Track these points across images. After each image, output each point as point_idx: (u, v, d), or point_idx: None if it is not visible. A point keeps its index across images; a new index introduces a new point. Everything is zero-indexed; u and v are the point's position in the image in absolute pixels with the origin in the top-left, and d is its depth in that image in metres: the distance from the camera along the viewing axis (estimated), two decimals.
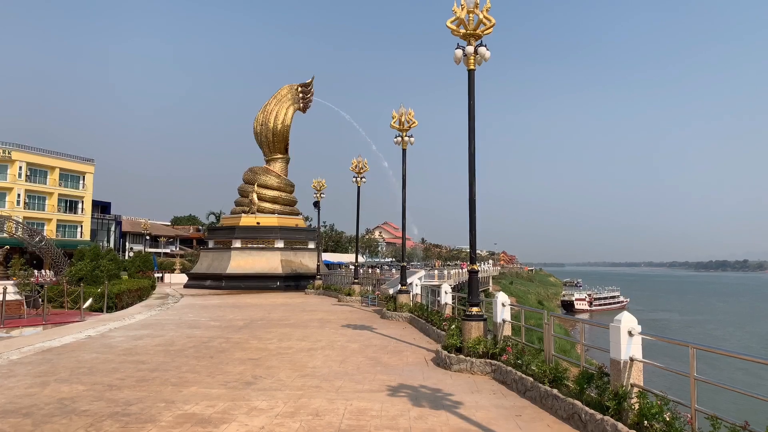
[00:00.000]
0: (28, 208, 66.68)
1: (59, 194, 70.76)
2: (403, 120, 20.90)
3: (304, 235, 48.44)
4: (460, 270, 54.49)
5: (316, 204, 38.26)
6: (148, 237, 78.97)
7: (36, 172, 68.76)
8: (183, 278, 51.10)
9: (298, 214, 50.41)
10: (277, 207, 47.53)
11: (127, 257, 67.74)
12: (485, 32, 12.19)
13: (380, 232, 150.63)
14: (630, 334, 7.09)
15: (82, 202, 74.65)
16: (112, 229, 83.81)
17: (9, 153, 65.33)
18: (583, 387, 7.61)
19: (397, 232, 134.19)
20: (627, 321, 7.15)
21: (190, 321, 20.91)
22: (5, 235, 39.07)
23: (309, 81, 50.35)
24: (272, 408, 8.30)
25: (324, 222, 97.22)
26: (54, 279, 33.94)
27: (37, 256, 42.74)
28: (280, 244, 45.10)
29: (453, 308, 17.30)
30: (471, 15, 12.09)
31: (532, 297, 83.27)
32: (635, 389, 6.81)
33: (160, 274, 55.67)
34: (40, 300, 23.53)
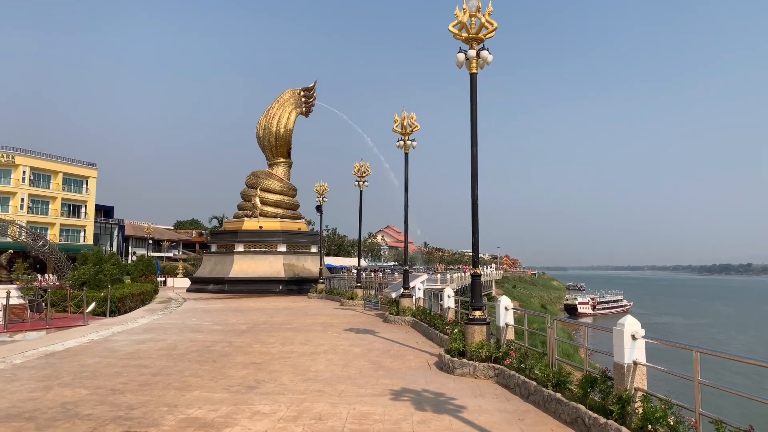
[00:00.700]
0: (32, 213, 66.82)
1: (62, 198, 70.91)
2: (405, 124, 20.92)
3: (306, 239, 48.47)
4: (463, 274, 54.42)
5: (319, 208, 38.29)
6: (151, 241, 79.05)
7: (39, 177, 68.93)
8: (186, 282, 51.11)
9: (300, 217, 50.46)
10: (279, 211, 47.59)
11: (130, 261, 67.92)
12: (487, 36, 12.20)
13: (383, 236, 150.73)
14: (633, 337, 7.07)
15: (85, 206, 74.80)
16: (115, 233, 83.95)
17: (12, 157, 65.53)
18: (586, 391, 7.59)
19: (399, 236, 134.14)
20: (630, 325, 7.13)
21: (193, 325, 20.91)
22: (9, 239, 39.15)
23: (311, 85, 50.46)
24: (275, 412, 8.29)
25: (326, 226, 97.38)
26: (57, 283, 34.00)
27: (40, 261, 42.79)
28: (282, 248, 45.13)
29: (456, 312, 17.29)
30: (473, 19, 12.10)
31: (535, 301, 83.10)
32: (639, 393, 6.79)
33: (163, 279, 55.70)
34: (43, 304, 23.58)
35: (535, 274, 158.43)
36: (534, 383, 8.89)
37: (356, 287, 30.87)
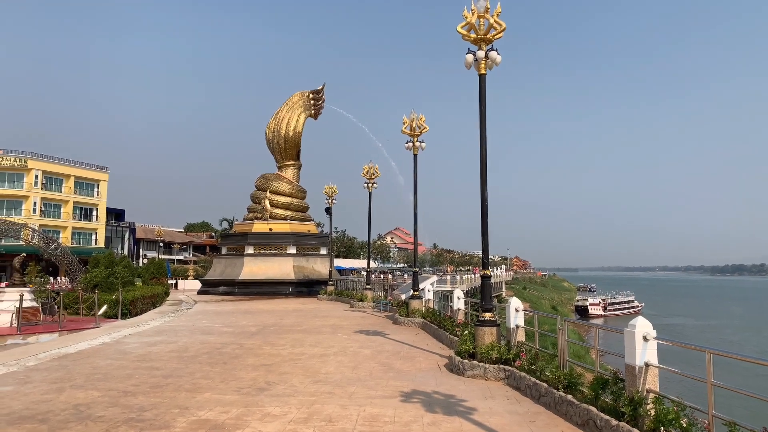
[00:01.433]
0: (44, 216, 67.41)
1: (74, 202, 71.51)
2: (414, 125, 20.92)
3: (316, 241, 48.55)
4: (473, 275, 54.23)
5: (328, 210, 38.37)
6: (161, 244, 79.50)
7: (52, 181, 69.55)
8: (196, 285, 51.37)
9: (310, 220, 50.57)
10: (289, 213, 47.73)
11: (141, 264, 68.32)
12: (496, 37, 12.18)
13: (392, 238, 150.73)
14: (645, 339, 7.02)
15: (97, 209, 75.38)
16: (127, 236, 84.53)
17: (25, 162, 66.17)
18: (598, 393, 7.54)
19: (408, 238, 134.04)
20: (642, 326, 7.08)
21: (204, 327, 21.01)
22: (22, 242, 39.46)
23: (320, 88, 50.55)
24: (285, 414, 8.30)
25: (336, 228, 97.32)
26: (69, 286, 34.27)
27: (52, 264, 43.13)
28: (292, 250, 45.23)
29: (465, 314, 17.24)
30: (482, 20, 12.09)
31: (546, 302, 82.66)
32: (651, 395, 6.74)
33: (174, 281, 55.98)
34: (56, 307, 23.75)
35: (545, 275, 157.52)
36: (545, 385, 8.85)
37: (366, 289, 30.87)
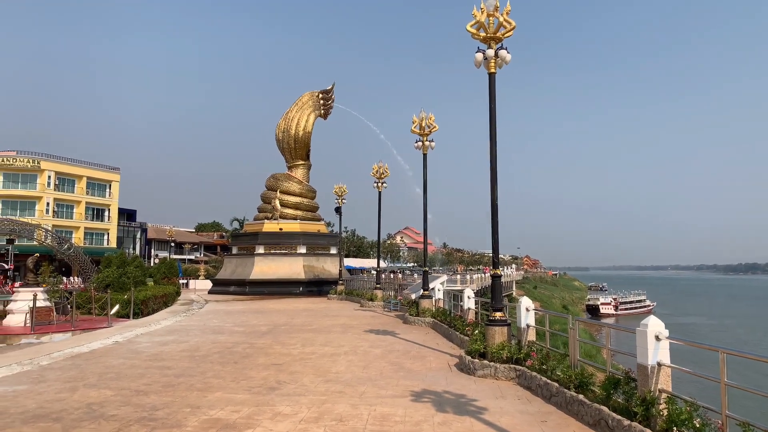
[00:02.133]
0: (57, 217, 68.02)
1: (86, 202, 72.11)
2: (423, 124, 20.88)
3: (326, 241, 48.63)
4: (483, 275, 54.11)
5: (338, 209, 38.40)
6: (173, 244, 79.93)
7: (64, 181, 70.16)
8: (207, 284, 51.64)
9: (320, 219, 50.66)
10: (299, 213, 47.85)
11: (152, 264, 68.80)
12: (506, 35, 12.13)
13: (402, 237, 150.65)
14: (657, 338, 6.97)
15: (109, 210, 75.97)
16: (138, 236, 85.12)
17: (38, 163, 66.82)
18: (609, 392, 7.50)
19: (418, 237, 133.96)
20: (654, 325, 7.04)
21: (215, 327, 21.11)
22: (35, 243, 39.94)
23: (330, 87, 50.62)
24: (296, 413, 8.32)
25: (345, 227, 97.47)
26: (82, 286, 34.56)
27: (65, 264, 43.58)
28: (302, 250, 45.34)
29: (476, 313, 17.20)
30: (491, 18, 12.05)
31: (557, 301, 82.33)
32: (663, 395, 6.69)
33: (185, 281, 56.26)
34: (68, 306, 23.96)
35: (556, 274, 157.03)
36: (556, 384, 8.81)
37: (376, 288, 30.89)
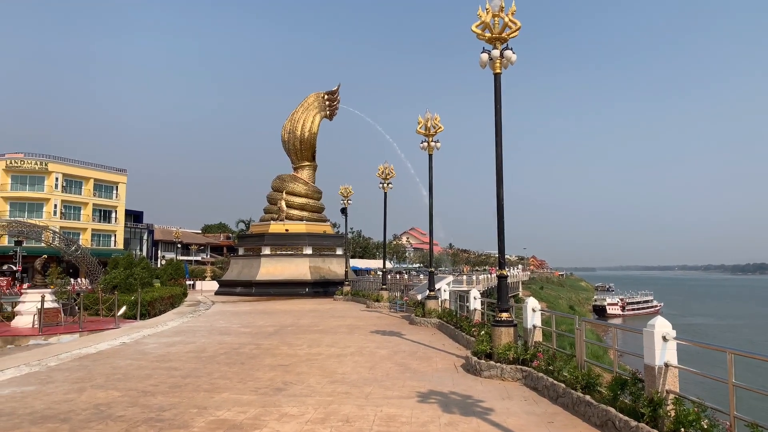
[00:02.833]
0: (65, 218, 68.37)
1: (94, 204, 72.48)
2: (428, 125, 20.87)
3: (331, 242, 48.70)
4: (489, 275, 54.06)
5: (344, 210, 38.44)
6: (179, 245, 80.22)
7: (71, 183, 70.56)
8: (214, 285, 51.78)
9: (325, 220, 50.72)
10: (305, 214, 47.94)
11: (159, 265, 68.93)
12: (511, 35, 12.12)
13: (407, 238, 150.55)
14: (664, 339, 6.94)
15: (116, 211, 76.33)
16: (145, 237, 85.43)
17: (46, 165, 67.23)
18: (616, 393, 7.47)
19: (424, 238, 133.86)
20: (661, 326, 7.01)
21: (221, 328, 21.16)
22: (43, 244, 40.13)
23: (335, 88, 50.70)
24: (303, 414, 8.34)
25: (351, 228, 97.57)
26: (89, 287, 34.73)
27: (73, 265, 43.73)
28: (308, 251, 45.43)
29: (482, 314, 17.16)
30: (496, 19, 12.04)
31: (563, 302, 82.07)
32: (671, 396, 6.66)
33: (192, 282, 56.47)
34: (76, 308, 24.06)
35: (562, 274, 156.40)
36: (563, 385, 8.78)
37: (382, 289, 30.90)
